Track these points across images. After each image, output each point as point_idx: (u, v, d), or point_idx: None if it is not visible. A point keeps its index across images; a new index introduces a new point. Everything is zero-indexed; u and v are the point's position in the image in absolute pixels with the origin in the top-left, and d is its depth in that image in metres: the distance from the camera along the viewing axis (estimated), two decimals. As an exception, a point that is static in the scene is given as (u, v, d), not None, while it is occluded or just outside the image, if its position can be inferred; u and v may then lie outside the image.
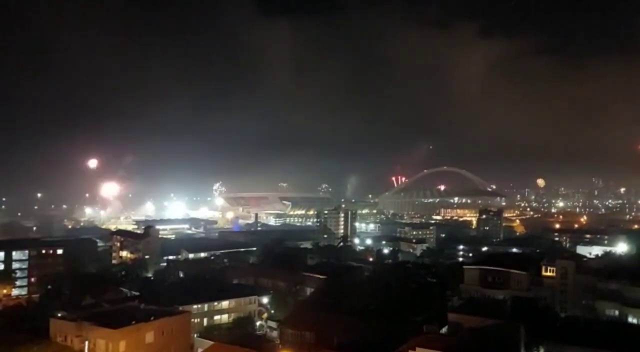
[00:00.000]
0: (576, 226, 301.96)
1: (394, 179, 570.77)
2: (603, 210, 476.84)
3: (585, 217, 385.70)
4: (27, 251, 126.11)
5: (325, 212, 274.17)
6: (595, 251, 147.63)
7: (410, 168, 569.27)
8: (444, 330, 62.57)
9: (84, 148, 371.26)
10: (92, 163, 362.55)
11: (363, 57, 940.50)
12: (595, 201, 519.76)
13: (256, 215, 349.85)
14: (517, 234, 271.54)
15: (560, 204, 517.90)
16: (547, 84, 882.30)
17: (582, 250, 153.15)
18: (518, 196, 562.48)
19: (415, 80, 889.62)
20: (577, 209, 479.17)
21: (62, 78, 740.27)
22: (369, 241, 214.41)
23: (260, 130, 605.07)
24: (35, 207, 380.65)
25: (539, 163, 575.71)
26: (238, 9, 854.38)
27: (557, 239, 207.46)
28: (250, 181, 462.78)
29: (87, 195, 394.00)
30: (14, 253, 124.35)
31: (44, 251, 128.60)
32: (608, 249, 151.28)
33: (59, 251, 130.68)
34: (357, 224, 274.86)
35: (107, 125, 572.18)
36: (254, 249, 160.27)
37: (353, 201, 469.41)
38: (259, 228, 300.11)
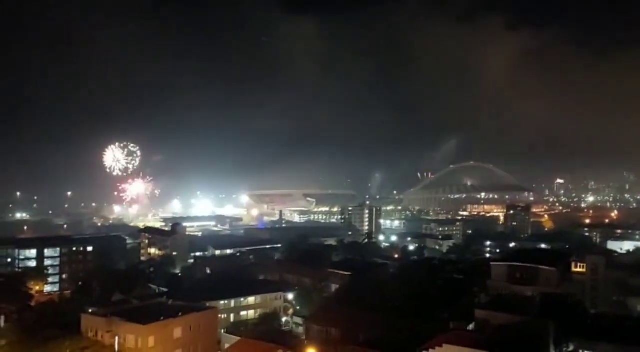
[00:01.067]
0: (607, 221, 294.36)
1: (419, 175, 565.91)
2: (635, 205, 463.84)
3: (616, 212, 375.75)
4: (58, 249, 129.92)
5: (350, 208, 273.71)
6: (627, 246, 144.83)
7: (436, 163, 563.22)
8: (471, 327, 62.06)
9: (111, 147, 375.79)
10: (119, 162, 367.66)
11: (387, 52, 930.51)
12: (626, 196, 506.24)
13: (281, 212, 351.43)
14: (546, 229, 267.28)
15: (590, 198, 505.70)
16: (576, 76, 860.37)
17: (613, 245, 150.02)
18: (547, 190, 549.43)
19: (440, 76, 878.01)
20: (608, 204, 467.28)
21: (89, 78, 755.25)
22: (394, 238, 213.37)
23: (284, 127, 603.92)
24: (66, 206, 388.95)
25: (568, 157, 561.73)
26: (262, 7, 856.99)
27: (587, 234, 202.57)
28: (275, 178, 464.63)
29: (115, 193, 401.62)
30: (46, 250, 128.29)
31: (74, 249, 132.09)
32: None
33: (89, 249, 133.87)
34: (382, 221, 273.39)
35: (134, 125, 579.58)
36: (279, 245, 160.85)
37: (378, 197, 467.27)
38: (283, 225, 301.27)
